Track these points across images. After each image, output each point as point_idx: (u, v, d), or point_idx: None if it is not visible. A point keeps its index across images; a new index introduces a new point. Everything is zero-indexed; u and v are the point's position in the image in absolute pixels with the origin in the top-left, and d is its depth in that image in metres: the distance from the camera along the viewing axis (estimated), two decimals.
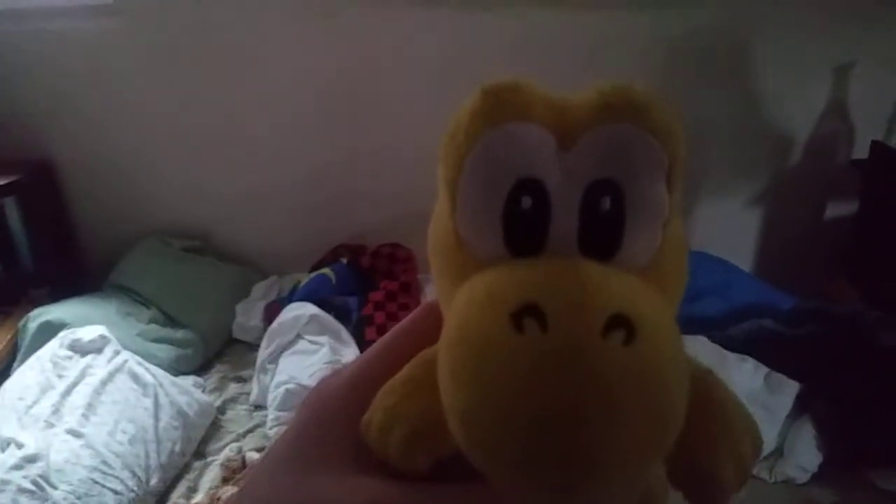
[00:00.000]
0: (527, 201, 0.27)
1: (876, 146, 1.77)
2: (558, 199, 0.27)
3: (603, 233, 0.27)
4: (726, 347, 1.51)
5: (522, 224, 0.27)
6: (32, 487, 1.20)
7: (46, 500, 1.20)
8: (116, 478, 1.30)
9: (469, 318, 0.25)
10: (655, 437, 0.24)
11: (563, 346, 0.23)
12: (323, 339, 1.61)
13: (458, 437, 0.26)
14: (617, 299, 0.24)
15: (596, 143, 0.27)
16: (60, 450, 1.29)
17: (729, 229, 1.99)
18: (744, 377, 1.44)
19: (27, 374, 1.47)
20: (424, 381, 0.28)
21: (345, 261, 1.94)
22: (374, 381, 0.29)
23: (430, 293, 1.77)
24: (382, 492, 0.26)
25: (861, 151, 1.84)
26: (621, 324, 0.24)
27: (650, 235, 0.27)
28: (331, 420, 0.29)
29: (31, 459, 1.24)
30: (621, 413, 0.23)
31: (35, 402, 1.39)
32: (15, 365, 1.60)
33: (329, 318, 1.68)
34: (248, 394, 1.66)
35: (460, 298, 0.27)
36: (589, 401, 0.23)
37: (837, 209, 1.96)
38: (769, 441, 1.37)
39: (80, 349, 1.52)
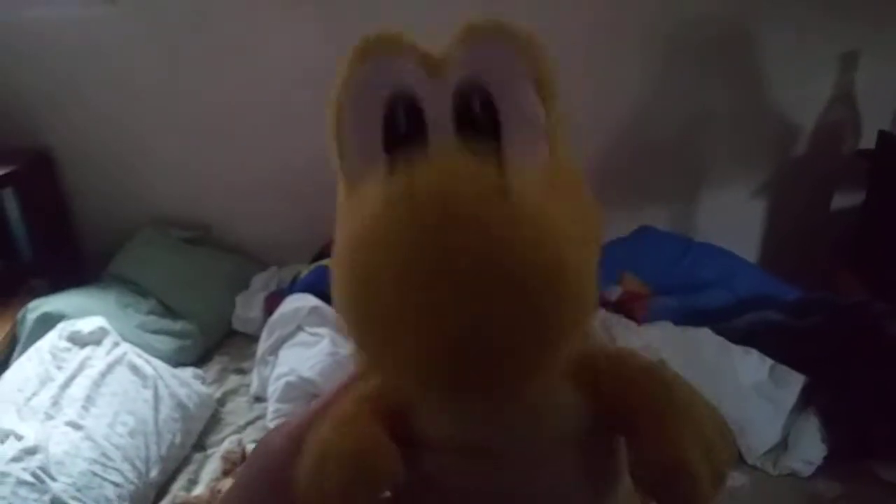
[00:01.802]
0: (400, 113, 0.27)
1: (883, 136, 1.76)
2: (431, 104, 0.27)
3: (480, 134, 0.27)
4: (730, 339, 1.50)
5: (401, 135, 0.27)
6: (32, 480, 1.19)
7: (46, 492, 1.19)
8: (116, 470, 1.29)
9: (352, 209, 0.26)
10: (546, 307, 0.23)
11: (439, 209, 0.23)
12: (324, 330, 1.60)
13: (353, 333, 0.25)
14: (489, 167, 0.25)
15: (461, 58, 0.28)
16: (60, 442, 1.28)
17: (733, 220, 1.98)
18: (748, 369, 1.43)
19: (26, 365, 1.46)
20: (355, 416, 0.28)
21: None
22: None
23: None
24: None
25: (867, 141, 1.82)
26: (496, 186, 0.24)
27: (531, 139, 0.27)
28: (274, 472, 0.29)
29: (31, 451, 1.23)
30: (504, 272, 0.23)
31: (34, 394, 1.38)
32: (14, 356, 1.59)
33: (330, 310, 1.66)
34: (249, 386, 1.65)
35: (344, 211, 0.28)
36: (467, 246, 0.23)
37: (843, 200, 1.94)
38: (774, 433, 1.36)
39: (79, 341, 1.51)
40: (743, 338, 1.51)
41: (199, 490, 1.38)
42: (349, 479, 0.26)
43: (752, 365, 1.43)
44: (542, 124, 0.28)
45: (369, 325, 0.24)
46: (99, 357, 1.47)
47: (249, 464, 0.30)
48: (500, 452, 0.26)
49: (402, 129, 0.27)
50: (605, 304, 1.70)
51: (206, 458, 1.47)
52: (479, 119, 0.26)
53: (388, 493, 0.28)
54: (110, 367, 1.45)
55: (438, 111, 0.27)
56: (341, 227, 0.27)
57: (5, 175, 1.83)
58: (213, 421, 1.56)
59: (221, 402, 1.62)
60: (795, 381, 1.40)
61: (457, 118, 0.27)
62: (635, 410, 0.26)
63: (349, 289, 0.25)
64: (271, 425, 1.50)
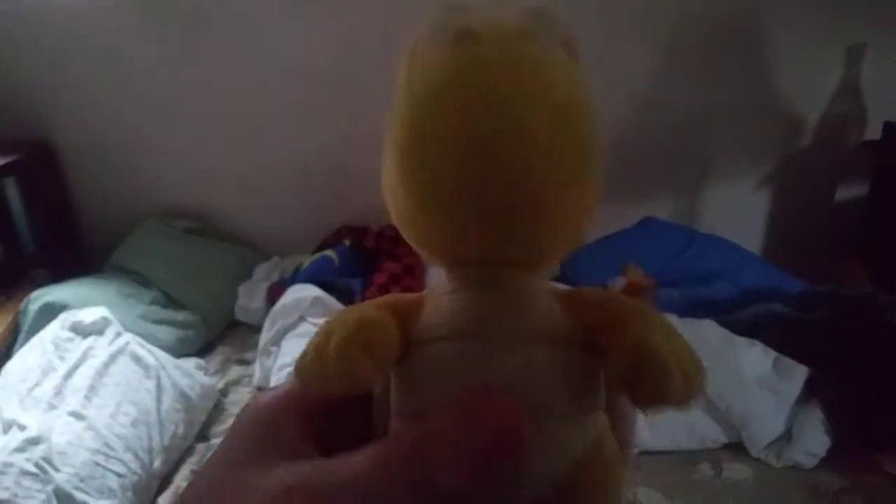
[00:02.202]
0: None
1: (888, 127, 1.75)
2: None
3: None
4: (735, 331, 1.49)
5: None
6: (35, 470, 1.19)
7: (49, 482, 1.19)
8: (119, 460, 1.29)
9: (413, 64, 0.27)
10: (576, 147, 0.25)
11: (497, 51, 0.25)
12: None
13: (402, 175, 0.27)
14: (548, 15, 0.27)
15: None
16: (63, 432, 1.28)
17: (738, 212, 1.97)
18: (752, 361, 1.42)
19: (28, 356, 1.46)
20: (359, 305, 0.29)
21: (348, 242, 1.92)
22: (309, 398, 0.29)
23: (433, 275, 1.75)
24: (295, 474, 0.25)
25: (873, 133, 1.81)
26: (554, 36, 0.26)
27: None
28: (266, 421, 0.29)
29: (34, 442, 1.23)
30: (555, 118, 0.25)
31: (37, 385, 1.38)
32: (16, 347, 1.59)
33: (332, 300, 1.66)
34: (251, 376, 1.65)
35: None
36: (531, 89, 0.24)
37: (848, 191, 1.93)
38: (777, 425, 1.35)
39: (81, 331, 1.51)
40: (747, 330, 1.51)
41: None
42: (350, 346, 0.26)
43: (755, 357, 1.43)
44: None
45: (422, 155, 0.26)
46: (101, 347, 1.47)
47: (242, 411, 0.30)
48: (491, 338, 0.27)
49: None
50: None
51: (209, 448, 1.47)
52: None
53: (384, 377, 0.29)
54: (113, 358, 1.44)
55: None
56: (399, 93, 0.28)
57: (7, 165, 1.83)
58: (216, 411, 1.56)
59: (224, 392, 1.62)
60: (799, 374, 1.40)
61: None
62: (613, 322, 0.27)
63: (408, 117, 0.26)
64: None
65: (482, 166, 0.25)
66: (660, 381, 0.25)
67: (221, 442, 0.29)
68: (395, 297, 0.30)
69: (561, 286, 0.31)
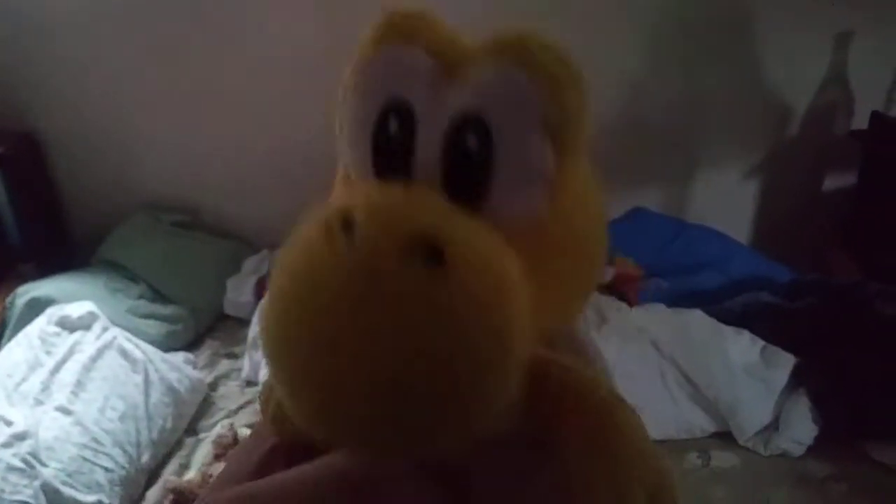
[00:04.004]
0: (394, 124, 0.26)
1: (875, 117, 1.75)
2: (425, 125, 0.25)
3: (469, 175, 0.25)
4: (723, 320, 1.50)
5: (388, 147, 0.26)
6: (22, 465, 1.19)
7: (36, 477, 1.19)
8: (107, 455, 1.29)
9: (301, 228, 0.25)
10: (456, 381, 0.22)
11: (361, 263, 0.22)
12: None
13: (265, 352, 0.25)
14: (431, 225, 0.22)
15: (475, 78, 0.25)
16: (50, 427, 1.27)
17: (726, 201, 1.97)
18: (740, 350, 1.43)
19: (15, 350, 1.45)
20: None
21: None
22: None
23: None
24: None
25: (860, 122, 1.81)
26: (428, 251, 0.22)
27: (526, 192, 0.25)
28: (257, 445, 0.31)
29: (21, 437, 1.23)
30: (415, 342, 0.21)
31: (24, 380, 1.38)
32: (2, 342, 1.58)
33: None
34: (240, 370, 1.64)
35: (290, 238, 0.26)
36: (381, 326, 0.21)
37: (836, 180, 1.94)
38: (765, 414, 1.36)
39: (68, 325, 1.50)
40: (736, 319, 1.51)
41: (190, 474, 1.37)
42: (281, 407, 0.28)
43: (743, 346, 1.44)
44: (547, 174, 0.25)
45: (278, 361, 0.24)
46: (88, 342, 1.46)
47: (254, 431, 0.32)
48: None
49: (391, 139, 0.26)
50: (599, 286, 1.69)
51: (198, 442, 1.47)
52: (472, 155, 0.25)
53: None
54: (100, 352, 1.44)
55: (430, 136, 0.25)
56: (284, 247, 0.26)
57: None
58: (205, 405, 1.56)
59: (213, 386, 1.62)
60: (787, 362, 1.40)
61: (450, 147, 0.25)
62: (561, 420, 0.25)
63: (268, 313, 0.24)
64: None
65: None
66: None
67: (236, 451, 0.31)
68: None
69: (564, 338, 0.29)
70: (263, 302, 0.25)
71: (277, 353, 0.23)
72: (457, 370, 0.22)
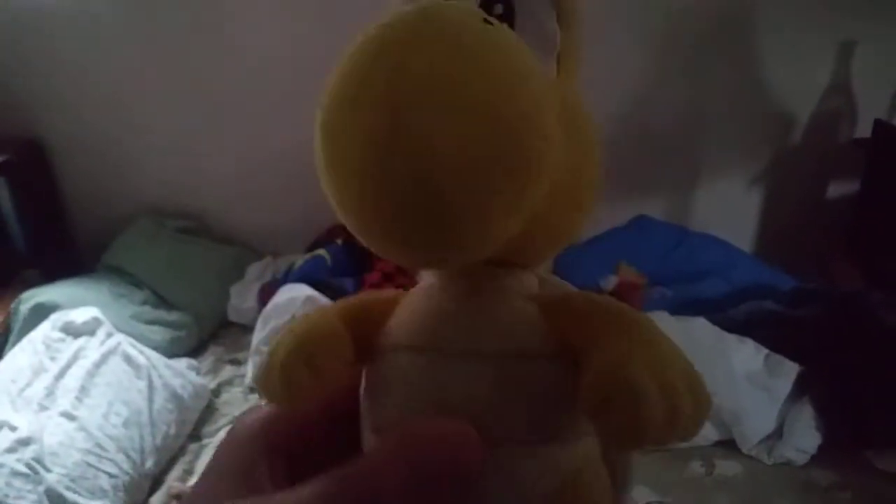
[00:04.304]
0: None
1: (878, 125, 1.75)
2: None
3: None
4: (726, 329, 1.50)
5: None
6: (26, 470, 1.19)
7: (40, 483, 1.19)
8: (111, 460, 1.29)
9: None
10: (512, 134, 0.21)
11: (429, 25, 0.22)
12: None
13: (317, 157, 0.24)
14: (479, 11, 0.23)
15: None
16: (54, 433, 1.27)
17: (729, 210, 1.97)
18: (743, 358, 1.43)
19: (19, 356, 1.45)
20: (318, 311, 0.27)
21: (340, 241, 1.92)
22: (281, 422, 0.28)
23: (426, 274, 1.75)
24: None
25: (863, 130, 1.82)
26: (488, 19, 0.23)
27: (543, 59, 0.25)
28: (239, 454, 0.28)
29: (25, 442, 1.23)
30: (484, 90, 0.21)
31: (28, 385, 1.38)
32: (7, 347, 1.58)
33: (324, 300, 1.66)
34: (244, 376, 1.65)
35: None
36: (440, 76, 0.21)
37: (839, 189, 1.94)
38: (769, 422, 1.36)
39: (72, 331, 1.51)
40: (739, 328, 1.51)
41: (194, 480, 1.37)
42: (293, 357, 0.25)
43: (747, 354, 1.43)
44: (556, 44, 0.26)
45: (328, 144, 0.24)
46: (93, 348, 1.46)
47: (216, 452, 0.29)
48: (444, 349, 0.25)
49: None
50: (602, 294, 1.69)
51: (202, 448, 1.47)
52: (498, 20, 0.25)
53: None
54: (104, 358, 1.44)
55: None
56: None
57: None
58: (209, 411, 1.56)
59: (216, 392, 1.62)
60: (790, 371, 1.40)
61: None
62: (594, 337, 0.23)
63: (319, 127, 0.24)
64: None
65: (383, 164, 0.21)
66: (633, 413, 0.20)
67: (202, 474, 0.28)
68: (366, 298, 0.29)
69: (557, 283, 0.28)
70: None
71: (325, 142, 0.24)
72: (518, 131, 0.22)
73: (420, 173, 0.21)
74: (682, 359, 0.23)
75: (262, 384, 0.26)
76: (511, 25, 0.25)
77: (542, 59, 0.25)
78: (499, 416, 0.23)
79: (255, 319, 1.71)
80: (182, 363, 1.61)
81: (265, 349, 1.60)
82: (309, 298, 1.64)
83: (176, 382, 1.48)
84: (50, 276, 1.81)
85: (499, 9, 0.25)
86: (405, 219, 0.22)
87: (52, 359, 1.44)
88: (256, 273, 1.94)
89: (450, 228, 0.22)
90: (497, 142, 0.21)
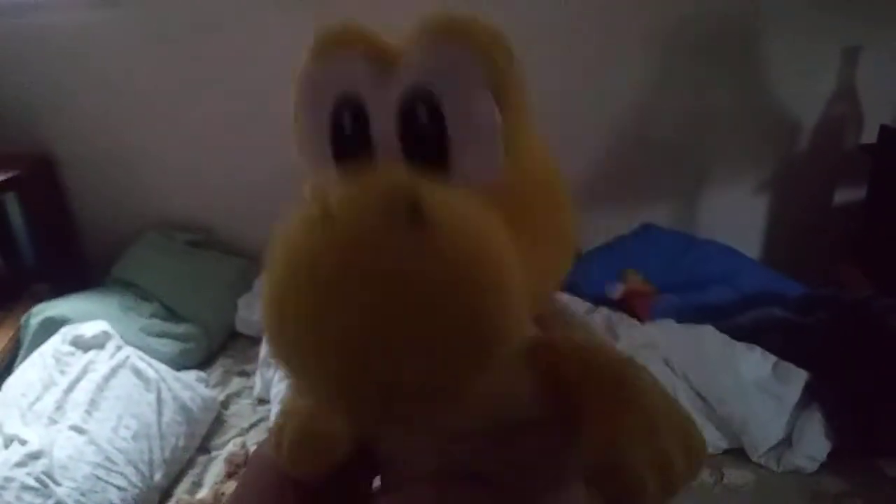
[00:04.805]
0: (347, 117, 0.27)
1: (884, 130, 1.75)
2: (376, 111, 0.26)
3: (427, 147, 0.25)
4: (734, 336, 1.49)
5: (346, 142, 0.27)
6: (36, 484, 1.20)
7: (50, 496, 1.20)
8: (120, 474, 1.30)
9: (281, 232, 0.24)
10: (455, 342, 0.21)
11: (347, 227, 0.21)
12: None
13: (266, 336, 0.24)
14: (406, 187, 0.22)
15: (412, 60, 0.26)
16: (64, 446, 1.28)
17: (736, 216, 1.97)
18: (752, 366, 1.42)
19: (29, 370, 1.46)
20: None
21: None
22: None
23: None
24: None
25: (870, 136, 1.81)
26: (408, 209, 0.21)
27: (484, 152, 0.26)
28: (268, 481, 0.29)
29: (35, 456, 1.24)
30: (407, 304, 0.21)
31: (38, 399, 1.39)
32: (17, 361, 1.59)
33: None
34: (252, 388, 1.65)
35: (279, 230, 0.25)
36: (372, 291, 0.21)
37: (846, 195, 1.93)
38: (778, 430, 1.35)
39: (82, 345, 1.52)
40: (747, 335, 1.50)
41: (203, 493, 1.38)
42: (298, 441, 0.26)
43: (755, 362, 1.43)
44: (498, 129, 0.26)
45: (280, 349, 0.23)
46: (102, 361, 1.47)
47: (245, 473, 0.30)
48: (455, 437, 0.26)
49: (347, 134, 0.27)
50: (609, 302, 1.69)
51: (210, 460, 1.47)
52: (426, 129, 0.25)
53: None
54: (113, 371, 1.45)
55: (383, 121, 0.26)
56: (275, 239, 0.26)
57: (8, 180, 1.83)
58: (217, 423, 1.57)
59: (225, 404, 1.62)
60: (799, 378, 1.39)
61: (404, 127, 0.26)
62: (587, 401, 0.24)
63: (265, 307, 0.24)
64: None
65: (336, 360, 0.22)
66: (627, 489, 0.23)
67: (234, 495, 0.29)
68: None
69: (553, 316, 0.29)
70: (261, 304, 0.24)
71: (280, 336, 0.23)
72: (463, 314, 0.21)
73: (388, 387, 0.21)
74: (673, 411, 0.25)
75: (275, 453, 0.28)
76: (441, 122, 0.25)
77: (479, 146, 0.26)
78: (517, 479, 0.25)
79: (263, 331, 1.72)
80: (191, 375, 1.62)
81: (273, 360, 1.61)
82: None
83: (185, 395, 1.49)
84: (59, 290, 1.82)
85: (423, 112, 0.25)
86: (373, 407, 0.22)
87: (62, 372, 1.45)
88: None
89: (421, 413, 0.22)
90: (457, 337, 0.21)
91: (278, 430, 0.27)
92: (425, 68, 0.26)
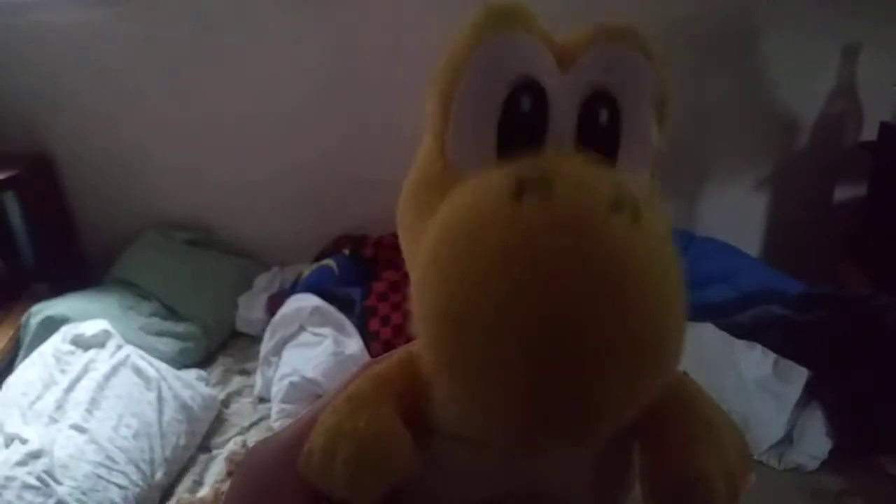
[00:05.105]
0: (526, 101, 0.26)
1: (884, 128, 1.75)
2: (557, 102, 0.26)
3: (600, 145, 0.26)
4: (734, 334, 1.50)
5: (520, 126, 0.26)
6: (37, 483, 1.20)
7: (51, 495, 1.20)
8: (121, 472, 1.30)
9: (461, 203, 0.23)
10: (660, 329, 0.22)
11: (570, 216, 0.21)
12: (326, 330, 1.60)
13: (434, 348, 0.22)
14: (620, 183, 0.23)
15: (593, 59, 0.27)
16: (65, 445, 1.28)
17: (735, 214, 1.97)
18: (752, 364, 1.42)
19: (30, 369, 1.46)
20: (370, 395, 0.27)
21: (347, 251, 1.92)
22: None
23: None
24: None
25: (869, 133, 1.81)
26: (626, 205, 0.21)
27: (641, 166, 0.27)
28: (264, 482, 0.28)
29: (36, 455, 1.24)
30: (629, 298, 0.21)
31: (38, 398, 1.39)
32: (17, 360, 1.59)
33: (332, 310, 1.67)
34: (252, 387, 1.65)
35: (446, 203, 0.24)
36: (595, 281, 0.20)
37: (846, 192, 1.93)
38: (778, 428, 1.35)
39: (82, 344, 1.52)
40: (747, 333, 1.51)
41: (203, 491, 1.38)
42: (359, 464, 0.25)
43: (755, 359, 1.43)
44: (653, 145, 0.27)
45: (463, 337, 0.22)
46: (102, 360, 1.47)
47: (238, 473, 0.29)
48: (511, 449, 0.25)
49: (522, 118, 0.25)
50: None
51: (211, 459, 1.47)
52: (601, 128, 0.26)
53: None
54: (114, 370, 1.45)
55: (564, 112, 0.26)
56: (442, 212, 0.24)
57: (7, 179, 1.83)
58: (218, 422, 1.57)
59: (225, 403, 1.62)
60: (799, 376, 1.39)
61: (584, 121, 0.26)
62: (662, 421, 0.25)
63: (447, 288, 0.22)
64: (275, 426, 1.50)
65: (555, 375, 0.21)
66: (707, 500, 0.24)
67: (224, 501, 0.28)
68: (402, 370, 0.28)
69: None
70: (420, 280, 0.23)
71: (471, 327, 0.21)
72: (668, 320, 0.22)
73: (575, 380, 0.21)
74: (728, 420, 0.26)
75: (318, 477, 0.26)
76: (617, 132, 0.26)
77: (641, 160, 0.27)
78: (570, 491, 0.26)
79: (263, 330, 1.72)
80: (191, 374, 1.62)
81: (274, 359, 1.61)
82: (316, 308, 1.65)
83: (185, 394, 1.49)
84: (59, 289, 1.82)
85: (603, 113, 0.26)
86: (551, 415, 0.21)
87: (63, 371, 1.45)
88: (264, 283, 1.94)
89: (593, 422, 0.22)
90: (646, 338, 0.21)
91: (325, 452, 0.25)
92: (610, 66, 0.26)
